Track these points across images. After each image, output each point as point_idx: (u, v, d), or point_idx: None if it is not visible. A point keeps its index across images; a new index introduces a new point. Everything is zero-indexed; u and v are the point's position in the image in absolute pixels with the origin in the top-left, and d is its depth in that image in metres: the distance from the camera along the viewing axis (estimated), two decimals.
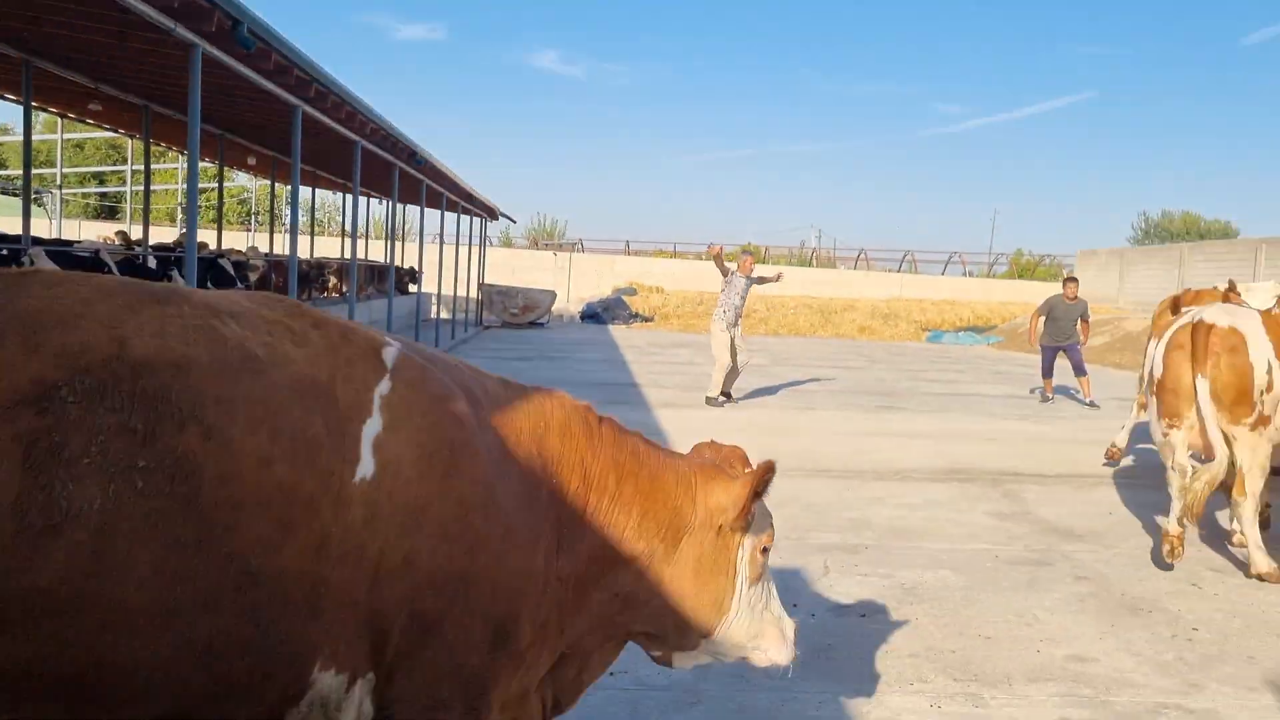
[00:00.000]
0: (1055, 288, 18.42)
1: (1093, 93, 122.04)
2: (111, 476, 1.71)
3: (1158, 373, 6.40)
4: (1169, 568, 6.07)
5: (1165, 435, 6.25)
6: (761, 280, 13.33)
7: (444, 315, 26.27)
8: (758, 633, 2.71)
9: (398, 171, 15.64)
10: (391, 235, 17.74)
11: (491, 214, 27.39)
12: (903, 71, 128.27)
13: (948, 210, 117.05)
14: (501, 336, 24.24)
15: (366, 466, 2.01)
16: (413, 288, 25.98)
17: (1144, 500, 8.07)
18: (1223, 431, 5.96)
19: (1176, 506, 5.99)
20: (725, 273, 13.04)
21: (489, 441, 2.26)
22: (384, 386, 2.12)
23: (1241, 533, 6.15)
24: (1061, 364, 14.71)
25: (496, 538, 2.18)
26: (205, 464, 1.80)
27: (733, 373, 13.10)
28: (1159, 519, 6.66)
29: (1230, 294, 7.80)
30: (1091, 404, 14.16)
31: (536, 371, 16.06)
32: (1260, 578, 5.88)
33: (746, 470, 2.71)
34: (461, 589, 2.11)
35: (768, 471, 2.57)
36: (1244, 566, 6.10)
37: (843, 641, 4.69)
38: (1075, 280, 15.09)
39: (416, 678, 2.08)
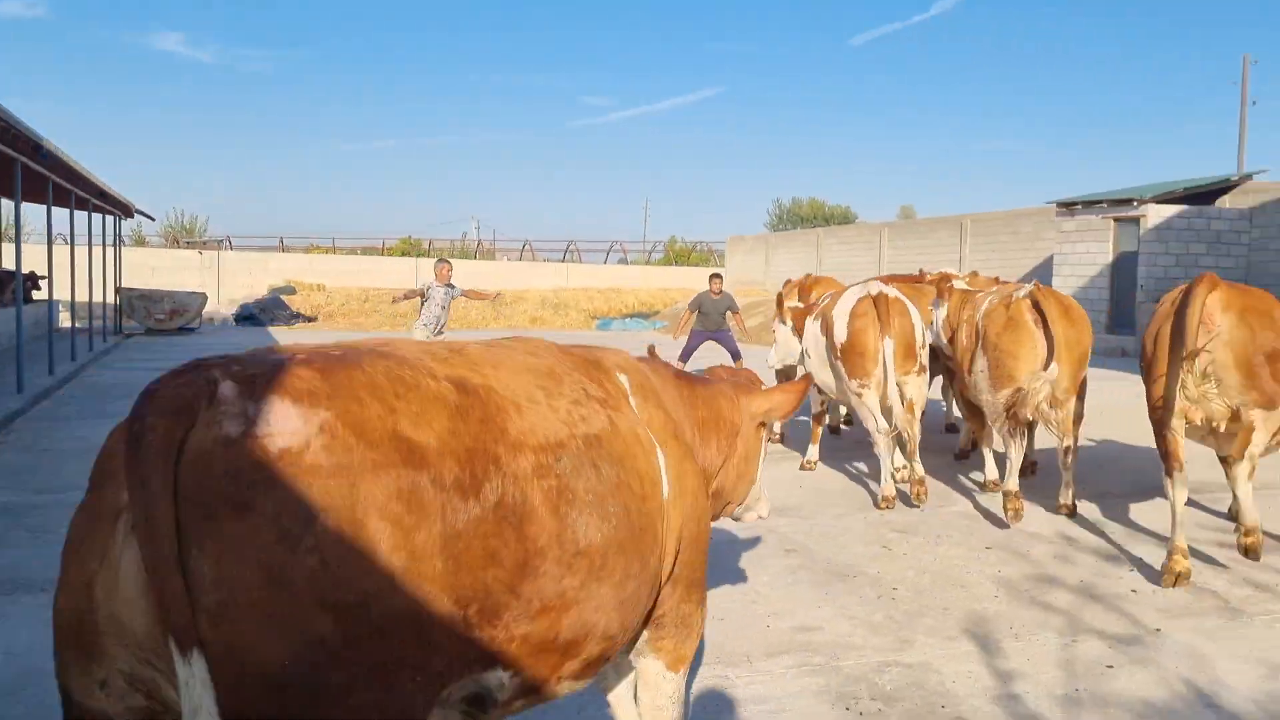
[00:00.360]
0: (710, 272, 19.51)
1: (724, 87, 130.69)
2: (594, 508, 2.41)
3: (841, 341, 7.58)
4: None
5: (859, 394, 7.54)
6: (473, 295, 13.24)
7: (78, 324, 23.68)
8: (758, 495, 3.52)
9: (20, 167, 13.86)
10: (20, 238, 15.74)
11: (126, 211, 24.96)
12: (551, 63, 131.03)
13: (604, 200, 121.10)
14: (148, 345, 22.25)
15: (660, 462, 2.68)
16: (37, 295, 23.21)
17: (823, 472, 8.73)
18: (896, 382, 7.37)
19: (886, 461, 7.40)
20: (419, 294, 12.80)
21: (680, 417, 3.06)
22: (634, 401, 2.79)
23: (907, 466, 7.57)
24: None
25: (703, 489, 2.96)
26: (633, 490, 2.53)
27: None
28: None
29: (924, 277, 8.92)
30: None
31: None
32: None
33: (768, 386, 3.60)
34: (699, 532, 2.87)
35: (809, 383, 3.67)
36: (924, 529, 6.77)
37: None
38: (720, 276, 16.00)
39: (679, 592, 2.84)
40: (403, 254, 48.25)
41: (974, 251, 31.35)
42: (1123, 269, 22.20)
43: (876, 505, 7.38)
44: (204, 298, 27.92)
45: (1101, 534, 6.68)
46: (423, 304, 12.82)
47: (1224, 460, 5.91)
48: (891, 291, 7.65)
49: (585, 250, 50.49)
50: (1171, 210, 21.66)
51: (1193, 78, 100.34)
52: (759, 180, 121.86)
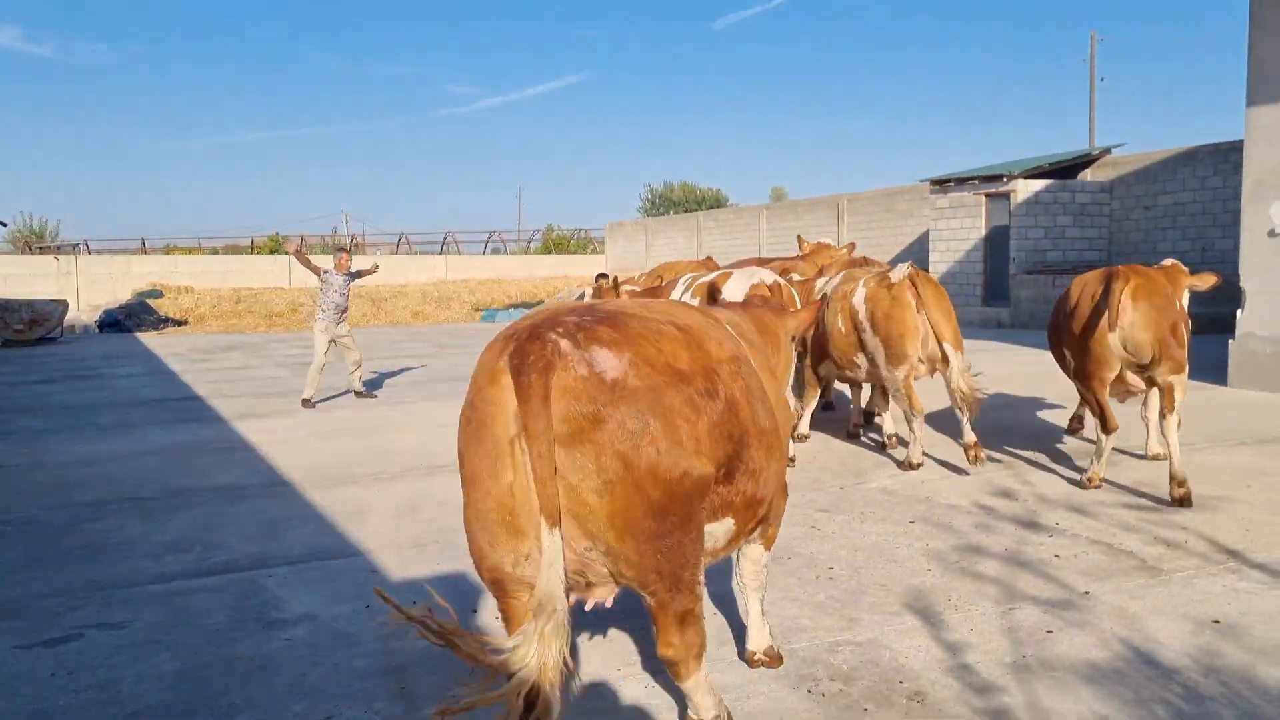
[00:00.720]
0: (591, 260, 19.46)
1: (589, 73, 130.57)
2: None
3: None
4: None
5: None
6: (360, 274, 13.18)
7: None
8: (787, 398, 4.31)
9: None
10: None
11: None
12: (410, 52, 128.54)
13: (478, 191, 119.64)
14: (8, 357, 21.07)
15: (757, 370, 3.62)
16: None
17: None
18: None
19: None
20: (317, 271, 12.59)
21: (759, 342, 4.06)
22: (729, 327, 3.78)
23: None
24: None
25: (782, 398, 3.89)
26: (764, 394, 3.51)
27: (358, 377, 13.07)
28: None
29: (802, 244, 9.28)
30: None
31: (70, 394, 14.16)
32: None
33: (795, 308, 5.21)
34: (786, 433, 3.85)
35: (821, 305, 5.20)
36: (848, 507, 6.91)
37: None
38: (605, 276, 16.14)
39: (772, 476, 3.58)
40: (271, 251, 46.94)
41: (851, 230, 32.09)
42: (996, 243, 23.04)
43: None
44: (65, 305, 26.59)
45: (1015, 500, 6.93)
46: (321, 292, 12.65)
47: (1160, 416, 7.21)
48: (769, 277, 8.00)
49: (463, 241, 49.89)
50: (1039, 185, 22.57)
51: (1050, 56, 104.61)
52: (631, 166, 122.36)
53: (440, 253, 47.64)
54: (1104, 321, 6.74)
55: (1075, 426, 9.16)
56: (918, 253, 28.36)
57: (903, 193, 29.92)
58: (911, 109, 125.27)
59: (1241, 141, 20.88)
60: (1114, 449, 8.34)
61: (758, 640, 4.23)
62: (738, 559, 4.14)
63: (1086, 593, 5.09)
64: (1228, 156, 20.93)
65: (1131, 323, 6.68)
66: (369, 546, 6.21)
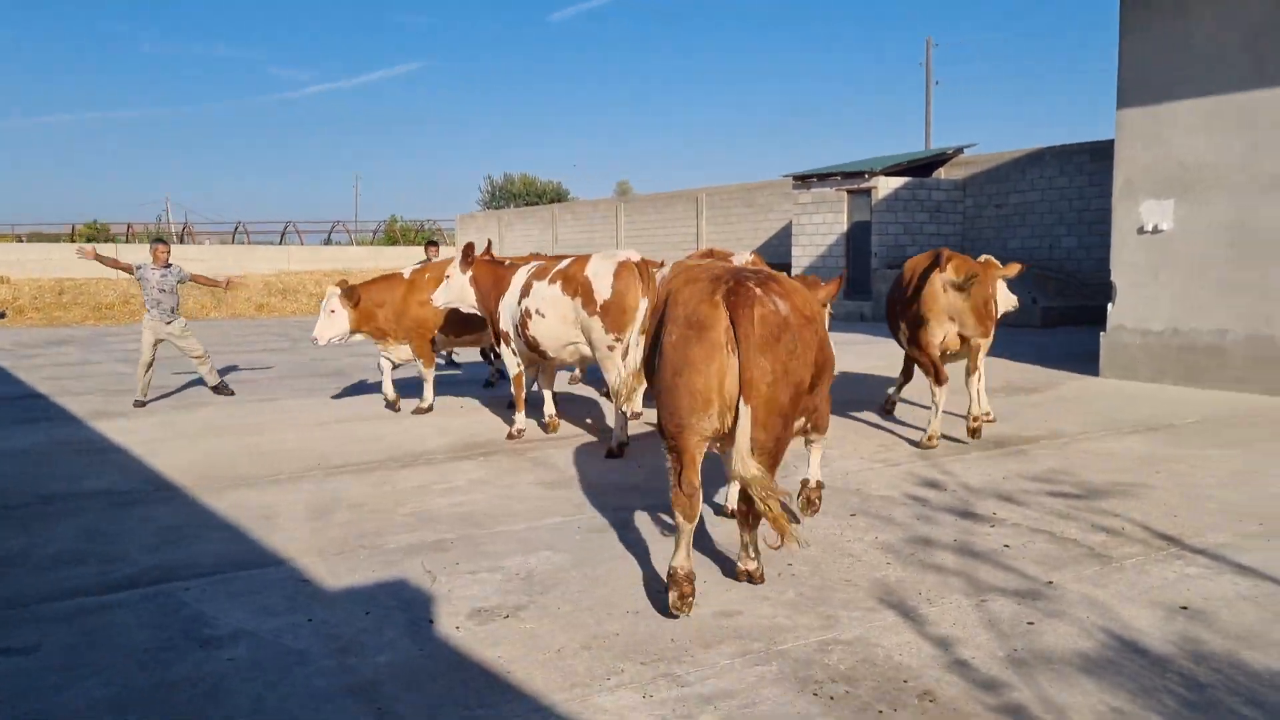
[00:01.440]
0: (426, 240, 19.09)
1: (423, 62, 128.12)
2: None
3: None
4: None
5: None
6: (202, 281, 11.98)
7: None
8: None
9: None
10: None
11: None
12: (230, 33, 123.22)
13: (314, 179, 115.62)
14: None
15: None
16: None
17: (638, 450, 8.64)
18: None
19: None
20: (128, 269, 11.65)
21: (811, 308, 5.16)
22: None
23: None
24: None
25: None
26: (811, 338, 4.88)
27: (208, 371, 12.08)
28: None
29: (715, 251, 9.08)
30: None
31: None
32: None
33: (826, 281, 6.46)
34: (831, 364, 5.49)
35: (844, 279, 5.90)
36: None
37: (511, 650, 4.35)
38: (436, 244, 15.79)
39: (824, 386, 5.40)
40: (89, 238, 44.25)
41: (711, 225, 32.42)
42: (858, 238, 23.63)
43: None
44: None
45: (945, 491, 7.00)
46: (142, 290, 11.59)
47: (967, 373, 8.80)
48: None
49: (306, 231, 48.09)
50: (898, 182, 23.25)
51: (891, 59, 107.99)
52: (473, 157, 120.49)
53: (280, 243, 45.78)
54: (932, 289, 8.38)
55: (889, 407, 10.19)
56: (778, 247, 28.85)
57: (763, 188, 30.37)
58: (762, 109, 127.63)
59: (1088, 144, 22.20)
60: (1024, 441, 8.57)
61: (815, 474, 6.37)
62: (807, 443, 6.18)
63: (1050, 582, 5.13)
64: (1072, 158, 22.03)
65: (953, 294, 8.34)
66: (289, 554, 5.76)
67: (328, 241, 48.66)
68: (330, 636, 4.53)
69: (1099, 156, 21.00)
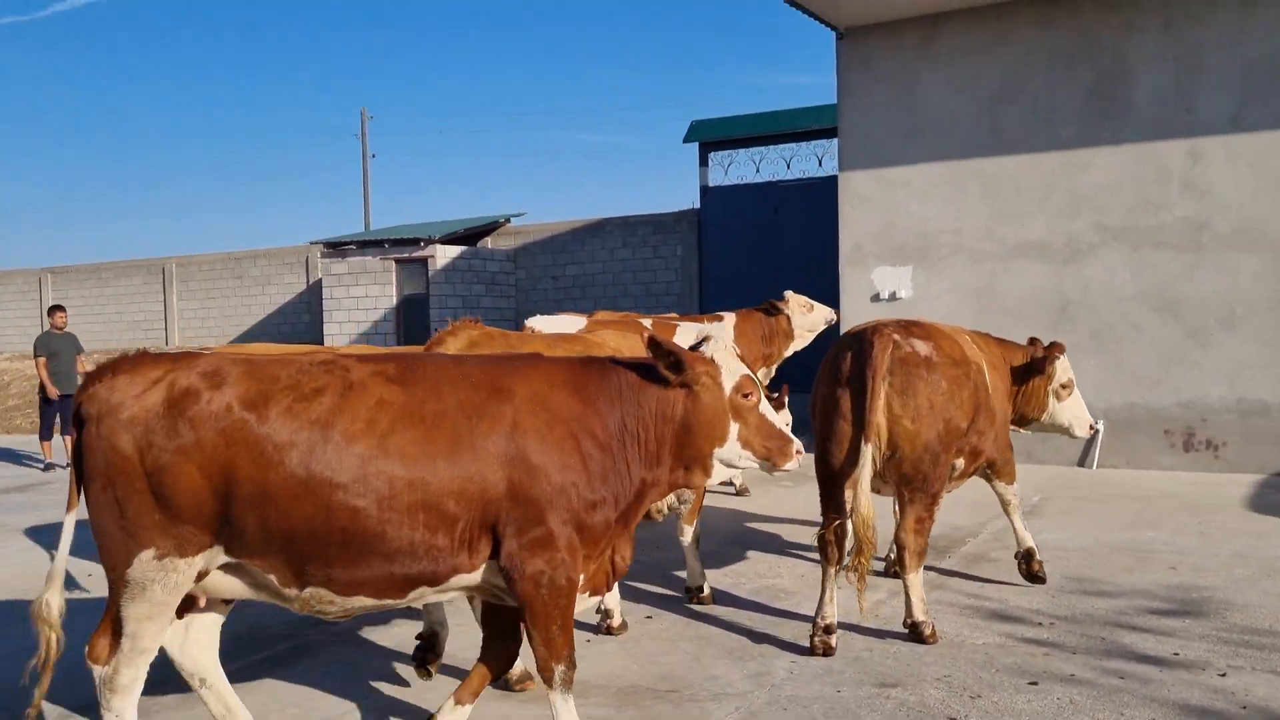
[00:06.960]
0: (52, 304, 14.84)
1: None
2: None
3: None
4: None
5: None
6: None
7: None
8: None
9: None
10: None
11: None
12: None
13: None
14: None
15: None
16: None
17: None
18: None
19: None
20: None
21: None
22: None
23: None
24: None
25: None
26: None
27: None
28: None
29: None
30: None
31: None
32: None
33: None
34: None
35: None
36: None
37: None
38: (63, 308, 12.48)
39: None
40: None
41: (185, 299, 29.19)
42: (412, 311, 22.42)
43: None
44: None
45: (1037, 625, 6.38)
46: None
47: None
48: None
49: None
50: (455, 251, 22.50)
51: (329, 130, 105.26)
52: None
53: None
54: None
55: None
56: (281, 325, 26.58)
57: (260, 256, 27.86)
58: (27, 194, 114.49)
59: (650, 216, 23.17)
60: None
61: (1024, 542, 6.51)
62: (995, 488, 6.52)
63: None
64: (635, 230, 22.96)
65: None
66: None
67: None
68: None
69: (661, 229, 22.07)
